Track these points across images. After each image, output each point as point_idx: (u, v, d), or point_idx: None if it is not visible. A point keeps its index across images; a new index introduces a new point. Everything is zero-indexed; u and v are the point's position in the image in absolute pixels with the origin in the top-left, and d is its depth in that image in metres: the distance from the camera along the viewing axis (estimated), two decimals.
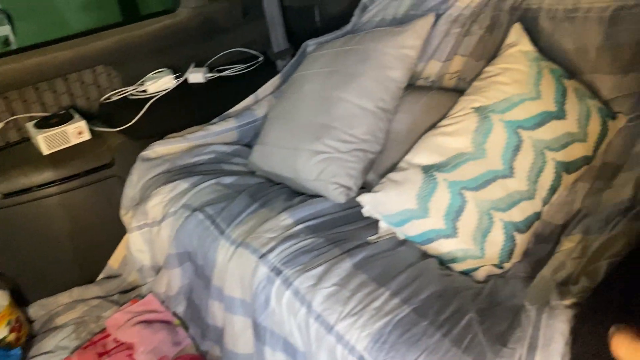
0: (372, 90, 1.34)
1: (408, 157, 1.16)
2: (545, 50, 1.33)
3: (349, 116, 1.33)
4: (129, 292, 1.65)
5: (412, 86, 1.50)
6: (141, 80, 1.82)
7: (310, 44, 1.77)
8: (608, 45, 1.23)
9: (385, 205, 1.11)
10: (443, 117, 1.22)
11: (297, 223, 1.20)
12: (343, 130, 1.31)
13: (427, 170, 1.10)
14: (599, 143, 1.13)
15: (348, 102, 1.34)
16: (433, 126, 1.25)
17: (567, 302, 0.83)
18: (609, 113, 1.14)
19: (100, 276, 1.72)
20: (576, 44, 1.28)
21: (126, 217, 1.58)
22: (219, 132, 1.66)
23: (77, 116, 1.65)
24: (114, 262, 1.70)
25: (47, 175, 1.55)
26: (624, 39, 1.21)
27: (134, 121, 1.66)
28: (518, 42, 1.19)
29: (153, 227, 1.46)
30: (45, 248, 1.63)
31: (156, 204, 1.45)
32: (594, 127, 1.12)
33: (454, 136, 1.12)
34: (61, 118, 1.64)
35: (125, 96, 1.79)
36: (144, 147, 1.60)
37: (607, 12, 1.26)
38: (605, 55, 1.23)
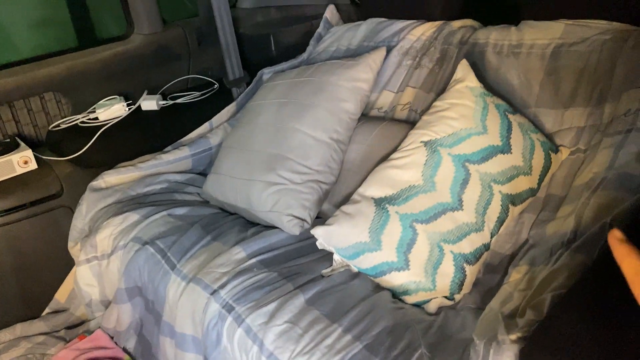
0: (326, 122, 1.35)
1: (361, 190, 1.17)
2: (493, 83, 1.38)
3: (303, 147, 1.33)
4: (77, 328, 1.58)
5: (366, 116, 1.53)
6: (92, 107, 1.78)
7: (266, 72, 1.78)
8: (550, 81, 1.29)
9: (338, 238, 1.12)
10: (396, 149, 1.24)
11: (250, 257, 1.19)
12: (297, 162, 1.32)
13: (380, 202, 1.11)
14: (543, 175, 1.17)
15: (302, 133, 1.35)
16: (386, 156, 1.27)
17: (514, 336, 0.84)
18: (552, 146, 1.19)
19: (46, 311, 1.65)
20: (521, 79, 1.33)
21: (74, 249, 1.52)
22: (172, 161, 1.64)
23: (22, 144, 1.59)
24: (60, 296, 1.63)
25: None
26: (564, 75, 1.27)
27: (84, 150, 1.61)
28: (465, 78, 1.23)
29: (102, 260, 1.41)
30: None
31: (106, 236, 1.41)
32: (538, 160, 1.16)
33: (404, 169, 1.14)
34: (6, 146, 1.58)
35: (75, 124, 1.74)
36: (94, 177, 1.56)
37: (549, 48, 1.33)
38: (548, 90, 1.28)
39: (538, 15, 1.42)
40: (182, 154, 1.65)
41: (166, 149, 1.69)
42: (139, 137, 1.74)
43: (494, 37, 1.45)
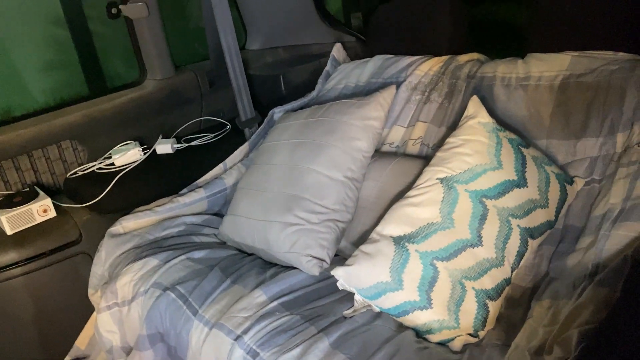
0: (340, 161, 1.37)
1: (379, 229, 1.18)
2: (502, 116, 1.40)
3: (319, 187, 1.35)
4: None
5: (378, 152, 1.55)
6: (108, 153, 1.81)
7: (277, 112, 1.82)
8: (560, 112, 1.30)
9: (359, 278, 1.12)
10: (410, 185, 1.26)
11: (271, 299, 1.19)
12: (314, 201, 1.33)
13: (399, 241, 1.12)
14: (560, 207, 1.18)
15: (317, 172, 1.37)
16: (401, 193, 1.28)
17: None
18: (566, 178, 1.20)
19: (67, 358, 1.65)
20: (530, 111, 1.35)
21: (94, 296, 1.53)
22: (189, 203, 1.65)
23: (41, 193, 1.62)
24: (81, 343, 1.63)
25: (11, 257, 1.51)
26: (574, 106, 1.28)
27: (101, 196, 1.64)
28: (476, 114, 1.25)
29: (123, 307, 1.42)
30: (7, 330, 1.56)
31: (126, 282, 1.42)
32: (554, 192, 1.17)
33: (422, 207, 1.15)
34: (25, 196, 1.61)
35: (92, 170, 1.78)
36: (112, 223, 1.57)
37: (557, 80, 1.35)
38: (558, 122, 1.30)
39: (543, 47, 1.44)
40: (198, 195, 1.67)
41: (182, 192, 1.71)
42: (155, 181, 1.77)
43: (501, 70, 1.48)
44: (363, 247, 1.15)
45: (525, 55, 1.47)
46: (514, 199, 1.13)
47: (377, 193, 1.38)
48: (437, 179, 1.17)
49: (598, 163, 1.20)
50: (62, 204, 1.64)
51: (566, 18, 1.40)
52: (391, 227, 1.16)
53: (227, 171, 1.76)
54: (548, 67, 1.38)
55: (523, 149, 1.20)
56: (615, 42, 1.31)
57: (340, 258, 1.37)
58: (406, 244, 1.11)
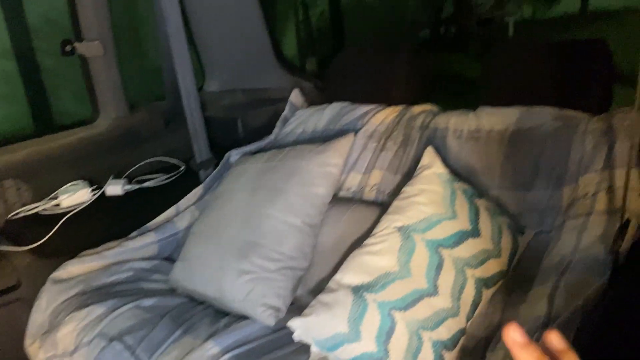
0: (299, 207, 1.37)
1: (337, 277, 1.17)
2: (455, 166, 1.44)
3: (276, 233, 1.33)
4: None
5: (336, 198, 1.55)
6: (55, 193, 1.73)
7: (234, 154, 1.80)
8: (509, 164, 1.35)
9: (316, 329, 1.10)
10: (367, 232, 1.26)
11: (224, 352, 1.15)
12: (271, 248, 1.31)
13: (357, 291, 1.11)
14: (512, 257, 1.21)
15: (275, 218, 1.35)
16: (358, 240, 1.28)
17: None
18: (517, 228, 1.24)
19: None
20: (482, 163, 1.40)
21: (32, 347, 1.43)
22: (138, 248, 1.59)
23: None
24: None
25: None
26: (523, 159, 1.34)
27: (45, 239, 1.55)
28: (432, 164, 1.28)
29: (64, 359, 1.33)
30: None
31: (68, 332, 1.33)
32: (506, 242, 1.20)
33: (380, 255, 1.15)
34: None
35: (36, 212, 1.69)
36: (55, 267, 1.49)
37: (506, 134, 1.41)
38: (508, 173, 1.35)
39: (493, 101, 1.51)
40: (148, 239, 1.62)
41: (131, 235, 1.65)
42: (104, 223, 1.70)
43: (453, 122, 1.53)
44: (321, 297, 1.14)
45: (477, 108, 1.54)
46: (469, 248, 1.15)
47: (334, 240, 1.37)
48: (394, 227, 1.19)
49: (547, 215, 1.25)
50: (0, 247, 1.55)
51: (515, 75, 1.48)
52: (349, 275, 1.15)
53: (179, 214, 1.72)
54: (498, 120, 1.44)
55: (476, 200, 1.24)
56: (559, 99, 1.39)
57: (296, 307, 1.34)
58: (364, 293, 1.10)
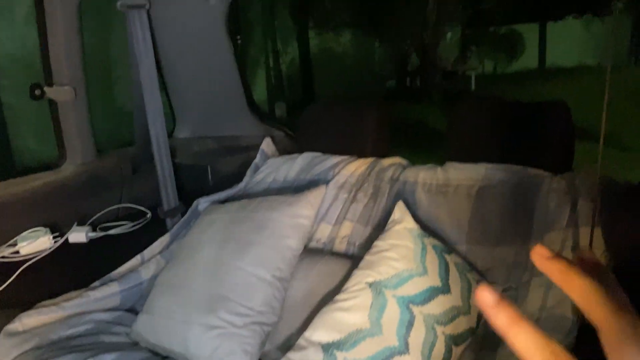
0: (269, 259, 1.35)
1: (307, 334, 1.15)
2: (425, 220, 1.46)
3: (245, 286, 1.31)
4: None
5: (305, 249, 1.54)
6: (14, 240, 1.66)
7: (202, 202, 1.78)
8: (477, 220, 1.38)
9: None
10: (337, 286, 1.25)
11: None
12: (239, 302, 1.28)
13: (327, 348, 1.09)
14: (481, 314, 1.21)
15: (244, 271, 1.33)
16: (328, 294, 1.27)
17: None
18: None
19: None
20: (451, 217, 1.42)
21: None
22: (100, 298, 1.53)
23: None
24: None
25: None
26: (489, 215, 1.37)
27: (1, 289, 1.48)
28: (402, 219, 1.30)
29: None
30: None
31: None
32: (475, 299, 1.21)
33: (351, 312, 1.14)
34: None
35: None
36: (10, 319, 1.42)
37: (473, 189, 1.44)
38: (476, 229, 1.37)
39: (460, 156, 1.56)
40: (111, 290, 1.56)
41: (93, 285, 1.59)
42: (65, 272, 1.63)
43: (422, 176, 1.56)
44: (290, 355, 1.11)
45: (444, 163, 1.58)
46: (439, 305, 1.16)
47: (303, 293, 1.36)
48: (366, 283, 1.18)
49: (514, 271, 1.27)
50: None
51: (480, 132, 1.53)
52: (319, 332, 1.13)
53: (144, 263, 1.67)
54: (465, 175, 1.48)
55: (446, 255, 1.25)
56: (523, 157, 1.44)
57: None
58: (335, 351, 1.08)
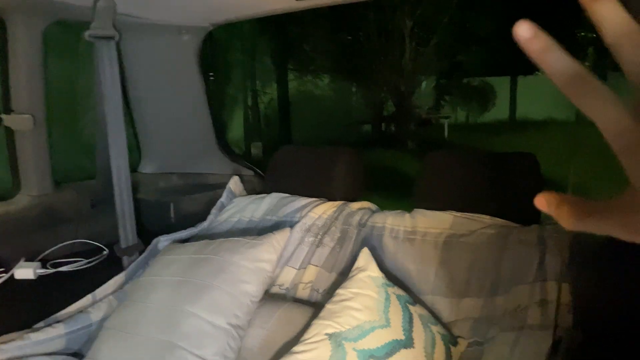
0: (225, 305, 1.28)
1: None
2: (391, 267, 1.42)
3: (198, 334, 1.23)
4: None
5: (267, 294, 1.47)
6: None
7: (162, 240, 1.71)
8: (444, 270, 1.34)
9: None
10: (297, 336, 1.19)
11: None
12: (190, 351, 1.20)
13: None
14: None
15: (198, 317, 1.25)
16: (287, 344, 1.20)
17: None
18: (451, 339, 1.20)
19: None
20: (417, 265, 1.38)
21: None
22: (42, 341, 1.42)
23: None
24: None
25: None
26: (456, 265, 1.33)
27: None
28: (367, 267, 1.25)
29: None
30: None
31: None
32: (440, 354, 1.15)
33: None
34: None
35: None
36: None
37: (441, 238, 1.41)
38: (443, 279, 1.33)
39: (429, 203, 1.53)
40: (55, 332, 1.45)
41: (37, 326, 1.48)
42: (10, 311, 1.52)
43: (390, 221, 1.53)
44: None
45: (413, 210, 1.55)
46: None
47: (261, 343, 1.28)
48: (325, 334, 1.12)
49: (480, 325, 1.22)
50: None
51: (449, 181, 1.52)
52: None
53: (95, 304, 1.57)
54: (432, 224, 1.45)
55: (410, 307, 1.20)
56: (491, 207, 1.42)
57: None
58: None
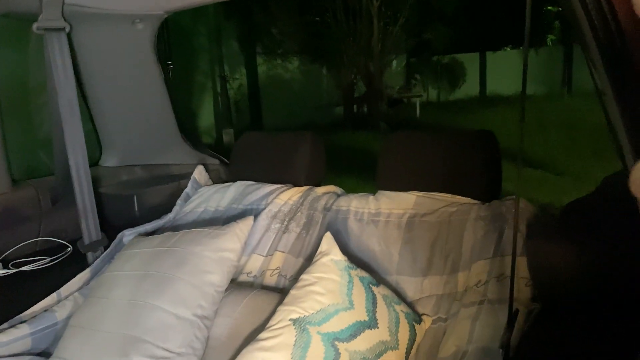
0: (189, 297, 1.27)
1: None
2: (356, 250, 1.43)
3: (163, 327, 1.22)
4: None
5: (235, 282, 1.47)
6: None
7: (127, 234, 1.69)
8: (407, 249, 1.36)
9: None
10: (265, 323, 1.18)
11: None
12: (155, 344, 1.19)
13: None
14: (410, 348, 1.18)
15: (162, 310, 1.24)
16: (255, 331, 1.20)
17: None
18: (415, 317, 1.22)
19: None
20: (381, 246, 1.40)
21: None
22: (7, 343, 1.39)
23: None
24: None
25: None
26: (419, 244, 1.35)
27: None
28: (329, 251, 1.25)
29: None
30: None
31: None
32: (404, 333, 1.17)
33: (273, 352, 1.07)
34: None
35: None
36: None
37: (404, 218, 1.42)
38: (406, 259, 1.35)
39: (392, 184, 1.54)
40: (20, 333, 1.43)
41: (0, 327, 1.45)
42: None
43: (354, 204, 1.53)
44: None
45: (377, 192, 1.56)
46: (366, 341, 1.11)
47: (228, 332, 1.28)
48: (289, 319, 1.12)
49: (443, 301, 1.25)
50: None
51: (409, 161, 1.52)
52: None
53: (60, 302, 1.55)
54: (396, 205, 1.46)
55: (374, 288, 1.21)
56: (452, 185, 1.44)
57: None
58: None
